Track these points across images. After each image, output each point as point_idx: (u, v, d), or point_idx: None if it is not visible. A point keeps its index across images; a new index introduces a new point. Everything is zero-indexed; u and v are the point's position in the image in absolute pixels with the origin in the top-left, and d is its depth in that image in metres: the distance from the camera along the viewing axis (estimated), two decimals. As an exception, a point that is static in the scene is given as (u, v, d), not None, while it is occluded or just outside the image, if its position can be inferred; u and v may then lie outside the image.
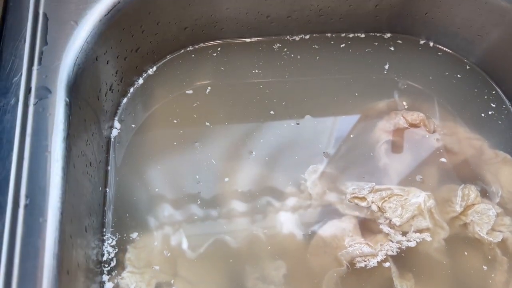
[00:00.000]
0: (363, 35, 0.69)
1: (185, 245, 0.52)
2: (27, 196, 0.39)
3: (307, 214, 0.57)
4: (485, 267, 0.55)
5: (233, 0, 0.60)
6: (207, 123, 0.60)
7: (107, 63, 0.53)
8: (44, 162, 0.40)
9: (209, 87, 0.62)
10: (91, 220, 0.47)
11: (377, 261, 0.53)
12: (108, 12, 0.50)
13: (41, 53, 0.45)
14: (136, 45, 0.58)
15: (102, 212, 0.52)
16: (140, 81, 0.62)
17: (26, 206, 0.39)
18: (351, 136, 0.61)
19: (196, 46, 0.65)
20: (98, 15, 0.49)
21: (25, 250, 0.37)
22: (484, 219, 0.57)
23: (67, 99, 0.44)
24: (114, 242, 0.51)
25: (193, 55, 0.65)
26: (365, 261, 0.53)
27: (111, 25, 0.51)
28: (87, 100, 0.49)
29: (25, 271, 0.37)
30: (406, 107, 0.65)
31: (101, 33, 0.50)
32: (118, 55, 0.56)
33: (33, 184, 0.39)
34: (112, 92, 0.56)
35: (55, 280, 0.37)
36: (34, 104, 0.43)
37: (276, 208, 0.57)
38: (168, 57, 0.64)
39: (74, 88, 0.46)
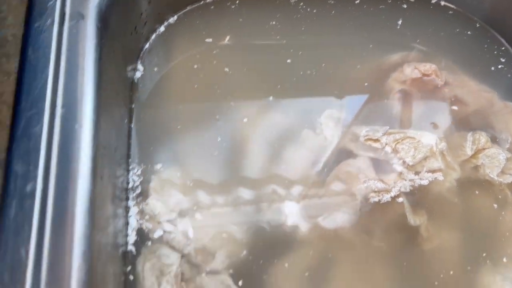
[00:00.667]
0: (377, -9, 0.71)
1: (206, 175, 0.54)
2: (63, 106, 0.41)
3: (322, 155, 0.59)
4: (495, 205, 0.56)
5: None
6: (226, 69, 0.62)
7: (134, 1, 0.56)
8: (79, 77, 0.42)
9: (228, 36, 0.65)
10: (118, 144, 0.49)
11: (391, 197, 0.55)
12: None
13: (74, -19, 0.47)
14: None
15: (127, 144, 0.54)
16: (162, 28, 0.64)
17: (62, 114, 0.41)
18: (366, 84, 0.63)
19: (216, -1, 0.67)
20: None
21: (62, 154, 0.39)
22: (494, 163, 0.59)
23: (99, 25, 0.46)
24: (139, 172, 0.53)
25: (212, 7, 0.67)
26: (379, 196, 0.55)
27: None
28: (115, 32, 0.51)
29: (62, 172, 0.39)
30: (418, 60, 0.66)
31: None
32: (143, -2, 0.58)
33: (69, 95, 0.41)
34: (136, 33, 0.59)
35: (89, 183, 0.39)
36: (68, 27, 0.45)
37: (292, 150, 0.59)
38: (188, 8, 0.66)
39: (104, 18, 0.48)
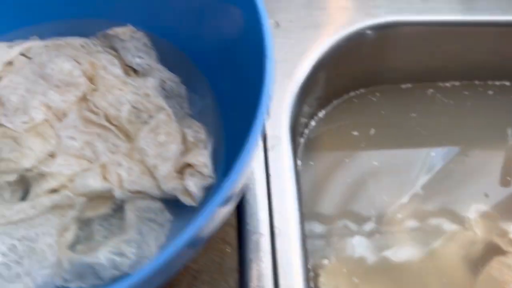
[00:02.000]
0: (508, 83, 0.74)
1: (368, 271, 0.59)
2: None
3: (472, 251, 0.62)
4: None
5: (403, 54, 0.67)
6: (374, 163, 0.67)
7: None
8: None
9: (373, 129, 0.69)
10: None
11: (548, 299, 0.58)
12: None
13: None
14: (315, 92, 0.66)
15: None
16: (313, 123, 0.70)
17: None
18: (508, 178, 0.66)
19: (357, 92, 0.72)
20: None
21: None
22: None
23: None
24: (310, 266, 0.59)
25: (355, 100, 0.72)
26: (534, 299, 0.58)
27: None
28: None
29: None
30: None
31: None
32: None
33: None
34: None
35: None
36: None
37: (442, 244, 0.62)
38: (334, 102, 0.71)
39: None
